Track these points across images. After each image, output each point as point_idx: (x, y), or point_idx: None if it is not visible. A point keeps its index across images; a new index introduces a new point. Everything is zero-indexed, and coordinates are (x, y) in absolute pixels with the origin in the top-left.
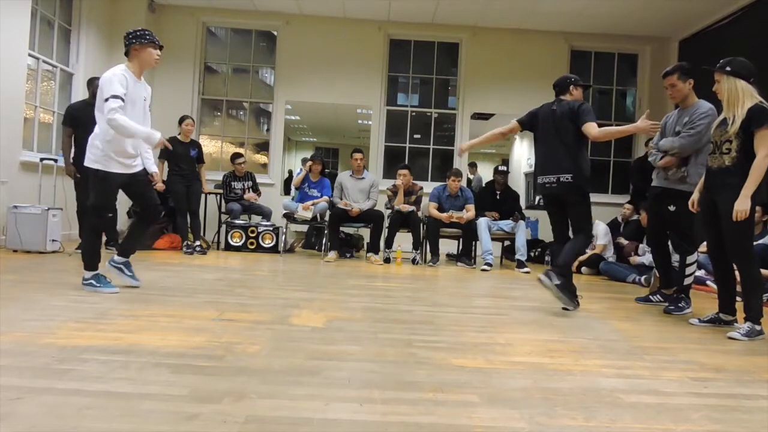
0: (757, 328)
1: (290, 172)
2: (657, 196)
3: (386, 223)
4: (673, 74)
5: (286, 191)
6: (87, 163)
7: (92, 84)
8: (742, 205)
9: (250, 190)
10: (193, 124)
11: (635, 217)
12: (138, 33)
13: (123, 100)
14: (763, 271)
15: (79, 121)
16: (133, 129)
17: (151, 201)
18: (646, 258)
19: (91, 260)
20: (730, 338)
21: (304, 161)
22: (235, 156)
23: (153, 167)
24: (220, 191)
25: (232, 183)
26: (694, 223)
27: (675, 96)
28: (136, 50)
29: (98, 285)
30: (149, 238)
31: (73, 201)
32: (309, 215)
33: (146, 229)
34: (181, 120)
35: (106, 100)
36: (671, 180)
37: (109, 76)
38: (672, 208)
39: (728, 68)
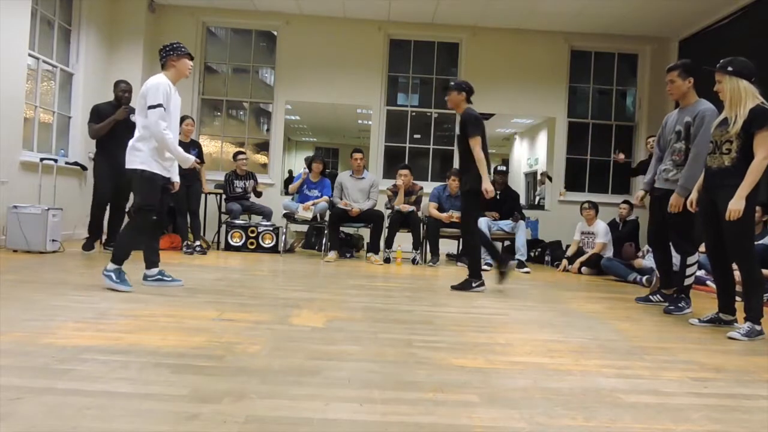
0: (757, 328)
1: (290, 172)
2: (658, 198)
3: (386, 223)
4: (675, 70)
5: (287, 191)
6: (132, 165)
7: (118, 86)
8: (735, 205)
9: (253, 190)
10: (193, 124)
11: (633, 216)
12: (174, 45)
13: (165, 109)
14: (765, 272)
15: (103, 120)
16: (172, 147)
17: (162, 208)
18: (650, 260)
19: (121, 255)
20: (730, 338)
21: (307, 160)
22: (237, 153)
23: (177, 177)
24: (220, 191)
25: (234, 181)
26: (695, 224)
27: (673, 92)
28: (173, 62)
29: (116, 280)
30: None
31: (73, 201)
32: (309, 215)
33: (140, 236)
34: (181, 120)
35: (151, 107)
36: (672, 181)
37: (155, 84)
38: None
39: (730, 68)
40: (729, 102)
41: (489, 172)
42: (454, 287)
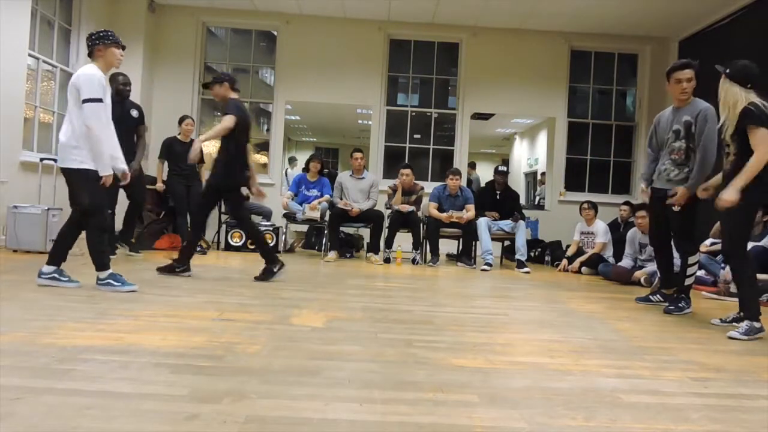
0: (756, 325)
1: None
2: (660, 198)
3: (386, 223)
4: (691, 68)
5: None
6: (71, 164)
7: (116, 79)
8: (727, 195)
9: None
10: (193, 124)
11: (632, 219)
12: (101, 34)
13: (102, 102)
14: (764, 276)
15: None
16: (104, 147)
17: (112, 206)
18: (649, 269)
19: (102, 260)
20: (731, 338)
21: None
22: (183, 118)
23: (122, 165)
24: None
25: None
26: (696, 223)
27: (688, 91)
28: (100, 51)
29: (117, 284)
30: (149, 238)
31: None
32: (317, 215)
33: (78, 235)
34: (181, 120)
35: (89, 101)
36: (674, 181)
37: (89, 76)
38: (676, 208)
39: (727, 71)
40: (720, 104)
41: (243, 164)
42: (161, 269)
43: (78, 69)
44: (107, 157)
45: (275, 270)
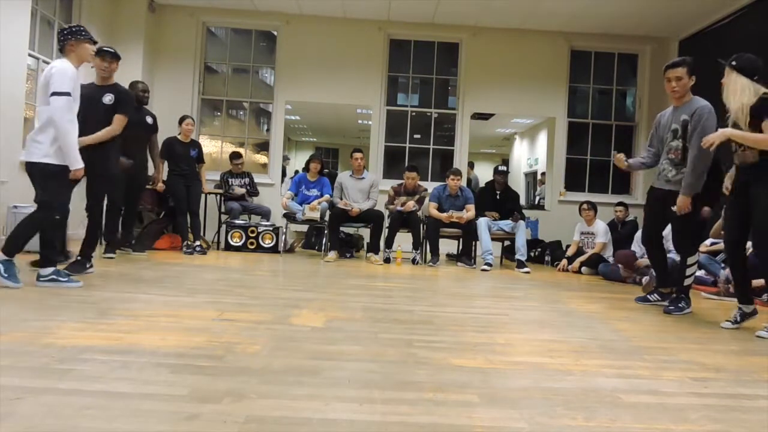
0: None
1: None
2: (658, 198)
3: (386, 223)
4: (681, 66)
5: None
6: (31, 158)
7: (135, 87)
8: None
9: (248, 187)
10: (193, 124)
11: (631, 217)
12: (73, 29)
13: (71, 96)
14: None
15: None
16: (69, 142)
17: (66, 209)
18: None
19: (52, 255)
20: (759, 337)
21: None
22: (234, 155)
23: (79, 163)
24: (220, 191)
25: (230, 180)
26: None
27: (679, 90)
28: (72, 47)
29: (63, 280)
30: (149, 238)
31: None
32: (317, 215)
33: (36, 231)
34: (181, 120)
35: (57, 94)
36: (672, 181)
37: (61, 69)
38: (675, 209)
39: (733, 63)
40: (726, 95)
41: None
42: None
43: (77, 69)
44: (76, 150)
45: (82, 267)
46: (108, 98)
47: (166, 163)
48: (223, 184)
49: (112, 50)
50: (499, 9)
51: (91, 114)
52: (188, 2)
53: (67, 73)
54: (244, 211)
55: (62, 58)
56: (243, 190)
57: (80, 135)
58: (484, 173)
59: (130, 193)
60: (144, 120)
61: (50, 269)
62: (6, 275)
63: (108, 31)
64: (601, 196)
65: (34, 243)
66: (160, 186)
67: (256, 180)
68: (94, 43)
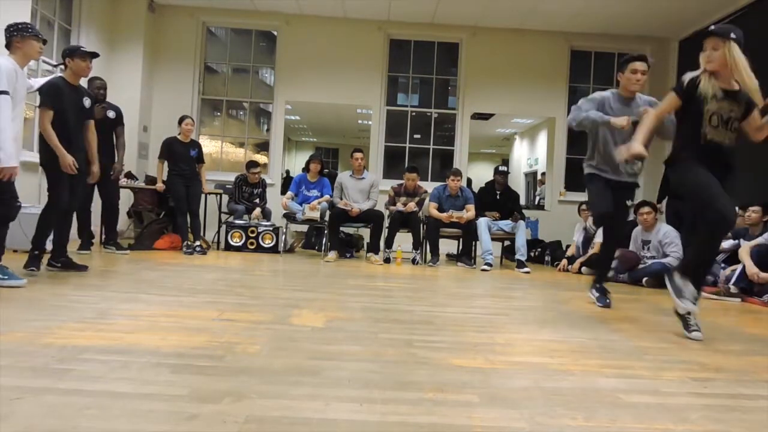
0: None
1: (287, 172)
2: (619, 190)
3: (386, 223)
4: (646, 62)
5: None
6: None
7: (93, 83)
8: None
9: (259, 198)
10: (193, 124)
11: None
12: (20, 26)
13: (9, 95)
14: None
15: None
16: (3, 138)
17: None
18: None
19: None
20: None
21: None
22: (251, 164)
23: (13, 161)
24: (221, 191)
25: (243, 186)
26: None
27: (641, 83)
28: (18, 44)
29: (3, 277)
30: (149, 238)
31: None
32: (317, 215)
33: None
34: (181, 120)
35: None
36: (629, 174)
37: None
38: (629, 202)
39: (733, 35)
40: (730, 69)
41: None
42: None
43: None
44: (9, 148)
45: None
46: (88, 102)
47: (166, 163)
48: (235, 190)
49: (92, 51)
50: (499, 9)
51: (74, 114)
52: (188, 2)
53: (2, 72)
54: (246, 212)
55: (3, 56)
56: (258, 211)
57: (67, 135)
58: (484, 173)
59: (106, 192)
60: (105, 115)
61: None
62: (6, 276)
63: (108, 31)
64: None
65: (24, 241)
66: (160, 186)
67: None
68: (44, 42)
